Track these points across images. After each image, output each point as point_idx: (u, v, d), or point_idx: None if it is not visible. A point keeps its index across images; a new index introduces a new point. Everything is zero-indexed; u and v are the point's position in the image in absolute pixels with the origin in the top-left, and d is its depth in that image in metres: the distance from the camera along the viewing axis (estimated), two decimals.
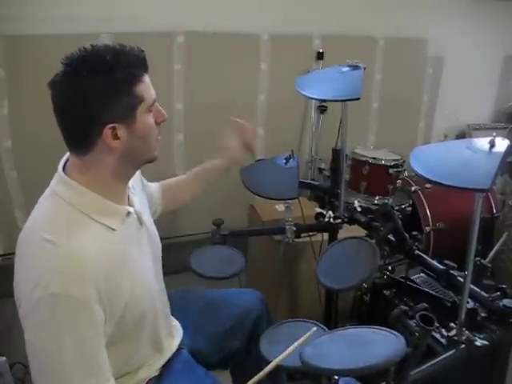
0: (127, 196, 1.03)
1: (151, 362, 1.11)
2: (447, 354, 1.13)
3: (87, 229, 0.88)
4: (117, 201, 0.96)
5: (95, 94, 0.84)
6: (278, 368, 1.06)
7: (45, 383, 0.86)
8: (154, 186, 1.35)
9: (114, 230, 0.93)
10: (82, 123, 0.87)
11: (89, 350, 0.85)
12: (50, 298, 0.81)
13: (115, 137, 0.88)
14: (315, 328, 1.09)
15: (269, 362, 1.06)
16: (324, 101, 2.61)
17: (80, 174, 0.92)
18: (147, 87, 0.92)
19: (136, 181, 1.15)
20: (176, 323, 1.25)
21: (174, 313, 1.25)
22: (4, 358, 1.53)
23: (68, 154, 0.95)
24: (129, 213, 0.99)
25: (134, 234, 1.02)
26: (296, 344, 1.04)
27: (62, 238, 0.84)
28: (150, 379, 1.10)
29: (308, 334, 1.07)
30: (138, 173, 1.16)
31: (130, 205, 1.02)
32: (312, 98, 2.10)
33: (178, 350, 1.19)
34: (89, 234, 0.88)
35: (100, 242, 0.89)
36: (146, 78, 0.92)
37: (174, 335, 1.21)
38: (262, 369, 1.27)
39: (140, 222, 1.04)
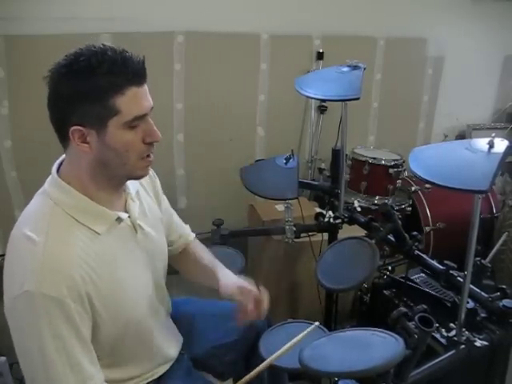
0: (124, 201, 1.00)
1: (151, 368, 1.10)
2: (447, 354, 1.13)
3: (68, 230, 0.88)
4: (107, 205, 0.94)
5: (69, 95, 0.84)
6: (274, 367, 1.05)
7: (33, 378, 0.86)
8: (182, 230, 1.28)
9: (98, 233, 0.91)
10: (55, 119, 0.88)
11: (69, 347, 0.84)
12: (25, 297, 0.81)
13: (84, 140, 0.86)
14: (317, 323, 1.09)
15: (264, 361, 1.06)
16: (324, 101, 2.61)
17: (67, 171, 0.92)
18: (130, 101, 0.85)
19: (147, 188, 1.12)
20: (176, 331, 1.24)
21: (180, 319, 1.25)
22: (4, 358, 1.53)
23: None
24: (119, 218, 0.95)
25: (125, 241, 0.98)
26: (293, 341, 1.04)
27: (41, 237, 0.84)
28: (149, 383, 1.09)
29: (306, 331, 1.07)
30: (152, 182, 1.14)
31: (126, 211, 0.99)
32: (312, 98, 2.10)
33: (179, 355, 1.18)
34: (69, 235, 0.87)
35: (80, 244, 0.88)
36: (133, 92, 0.85)
37: (174, 343, 1.19)
38: (263, 378, 1.27)
39: (135, 229, 1.00)
